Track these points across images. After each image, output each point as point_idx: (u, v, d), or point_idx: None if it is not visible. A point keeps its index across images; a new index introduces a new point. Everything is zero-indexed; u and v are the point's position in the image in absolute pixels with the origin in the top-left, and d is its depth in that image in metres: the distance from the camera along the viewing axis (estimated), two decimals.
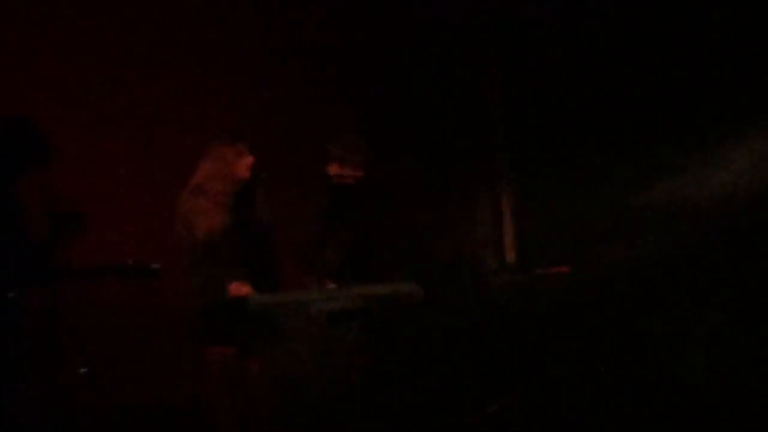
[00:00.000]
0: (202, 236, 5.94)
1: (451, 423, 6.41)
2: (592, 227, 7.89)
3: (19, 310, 5.04)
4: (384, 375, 6.19)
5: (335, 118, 7.65)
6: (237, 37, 7.61)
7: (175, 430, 6.37)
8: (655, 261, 7.31)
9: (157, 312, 6.64)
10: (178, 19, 7.33)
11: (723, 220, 7.50)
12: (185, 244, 6.02)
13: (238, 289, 5.91)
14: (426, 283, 6.05)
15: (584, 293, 7.14)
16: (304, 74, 7.88)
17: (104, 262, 5.51)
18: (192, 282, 6.03)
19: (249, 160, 6.03)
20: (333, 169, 6.53)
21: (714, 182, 7.69)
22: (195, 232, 5.97)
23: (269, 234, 6.17)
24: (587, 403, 6.46)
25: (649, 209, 7.75)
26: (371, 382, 6.09)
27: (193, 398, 6.18)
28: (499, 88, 8.76)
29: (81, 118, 6.73)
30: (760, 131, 7.53)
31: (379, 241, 6.66)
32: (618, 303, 7.07)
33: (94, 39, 7.03)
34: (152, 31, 7.22)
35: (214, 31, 7.48)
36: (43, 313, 5.20)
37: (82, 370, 6.17)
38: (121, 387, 6.40)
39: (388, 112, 8.09)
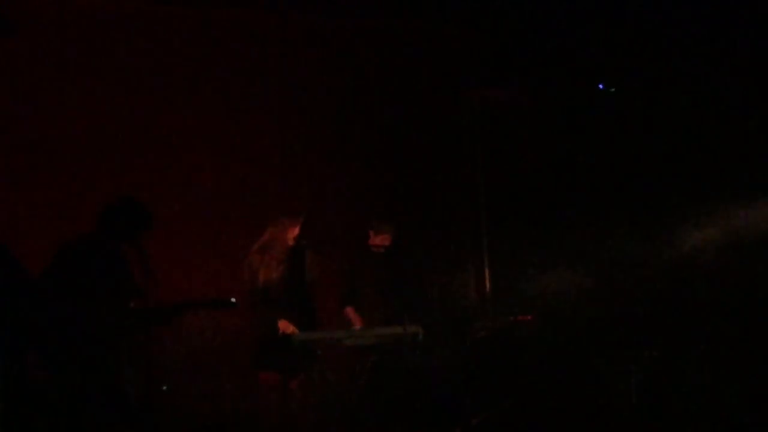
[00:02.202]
0: (262, 284, 7.30)
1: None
2: (554, 281, 8.76)
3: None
4: (392, 394, 7.43)
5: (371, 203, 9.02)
6: (295, 136, 9.02)
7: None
8: (603, 310, 8.40)
9: (224, 342, 7.87)
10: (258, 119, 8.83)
11: (661, 276, 8.51)
12: (248, 289, 7.31)
13: (286, 327, 7.23)
14: (426, 325, 7.33)
15: (545, 337, 8.20)
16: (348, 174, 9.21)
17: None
18: (250, 320, 7.36)
19: (296, 230, 7.39)
20: (372, 241, 8.00)
21: (657, 243, 8.62)
22: (258, 280, 7.31)
23: (313, 287, 7.47)
24: (547, 419, 7.58)
25: (601, 266, 8.75)
26: (384, 399, 7.42)
27: (248, 410, 7.44)
28: (481, 170, 9.61)
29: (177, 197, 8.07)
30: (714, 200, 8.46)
31: (393, 293, 7.93)
32: (570, 344, 8.17)
33: (192, 135, 8.50)
34: (237, 127, 8.73)
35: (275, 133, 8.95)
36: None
37: (164, 388, 7.30)
38: (196, 399, 7.50)
39: (400, 196, 9.27)
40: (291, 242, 7.42)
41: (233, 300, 6.39)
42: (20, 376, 5.41)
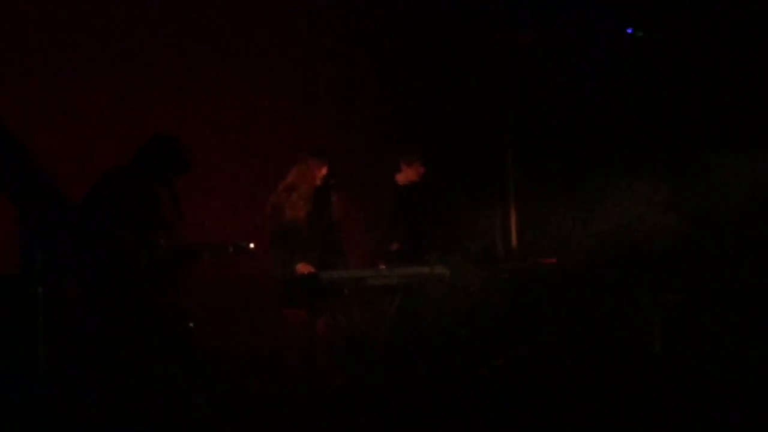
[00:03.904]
0: (289, 222, 7.33)
1: (467, 372, 7.51)
2: (577, 227, 8.93)
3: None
4: (417, 335, 7.55)
5: (398, 139, 8.98)
6: (322, 78, 9.04)
7: (260, 370, 7.30)
8: (623, 254, 8.43)
9: (248, 280, 7.88)
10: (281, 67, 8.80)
11: (688, 220, 8.56)
12: (272, 228, 7.36)
13: (304, 268, 7.28)
14: (453, 266, 7.46)
15: (567, 280, 8.31)
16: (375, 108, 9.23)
17: (216, 241, 6.73)
18: (272, 259, 7.38)
19: (324, 169, 7.42)
20: (400, 178, 8.10)
21: (683, 187, 8.71)
22: (284, 219, 7.33)
23: (338, 227, 7.51)
24: (567, 361, 7.68)
25: (627, 209, 8.78)
26: (408, 339, 7.51)
27: (274, 348, 7.48)
28: (510, 118, 9.74)
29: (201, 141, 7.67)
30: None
31: (422, 233, 8.05)
32: (592, 288, 8.27)
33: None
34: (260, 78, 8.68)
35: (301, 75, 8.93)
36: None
37: (191, 324, 6.87)
38: (222, 336, 7.39)
39: (433, 137, 9.26)
40: (318, 182, 7.44)
41: (252, 245, 6.53)
42: (59, 299, 5.34)
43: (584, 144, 9.18)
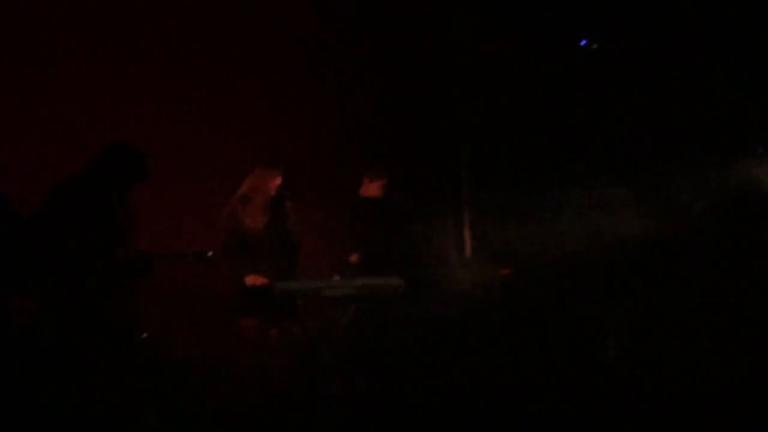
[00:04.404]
0: (246, 233, 7.32)
1: (421, 382, 7.32)
2: (529, 238, 8.99)
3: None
4: (371, 343, 7.57)
5: (357, 151, 9.03)
6: (278, 87, 8.98)
7: (213, 379, 7.08)
8: (577, 263, 8.54)
9: (204, 290, 7.90)
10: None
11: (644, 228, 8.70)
12: (227, 238, 7.33)
13: (254, 279, 7.28)
14: (407, 277, 7.36)
15: (521, 289, 8.42)
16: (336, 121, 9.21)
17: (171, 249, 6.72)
18: (229, 268, 7.34)
19: (278, 180, 7.44)
20: (362, 191, 8.18)
21: (639, 196, 8.93)
22: (240, 230, 7.33)
23: (293, 237, 7.52)
24: (524, 368, 7.63)
25: (583, 219, 8.98)
26: (362, 347, 7.52)
27: (229, 356, 7.31)
28: (465, 129, 9.86)
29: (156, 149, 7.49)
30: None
31: (381, 246, 8.12)
32: (548, 296, 8.33)
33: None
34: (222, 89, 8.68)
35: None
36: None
37: (144, 334, 6.91)
38: (176, 346, 7.34)
39: (391, 148, 9.32)
40: (273, 192, 7.45)
41: (210, 253, 6.60)
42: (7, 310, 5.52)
43: (539, 155, 9.27)
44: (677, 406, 6.72)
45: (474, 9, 9.48)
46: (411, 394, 7.21)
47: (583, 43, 9.65)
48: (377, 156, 8.94)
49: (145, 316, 7.11)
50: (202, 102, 8.61)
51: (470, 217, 9.67)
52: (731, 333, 7.69)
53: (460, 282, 8.69)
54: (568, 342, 7.97)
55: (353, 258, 8.13)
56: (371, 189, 8.26)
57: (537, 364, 7.69)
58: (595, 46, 9.63)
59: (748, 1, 8.62)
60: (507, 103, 9.63)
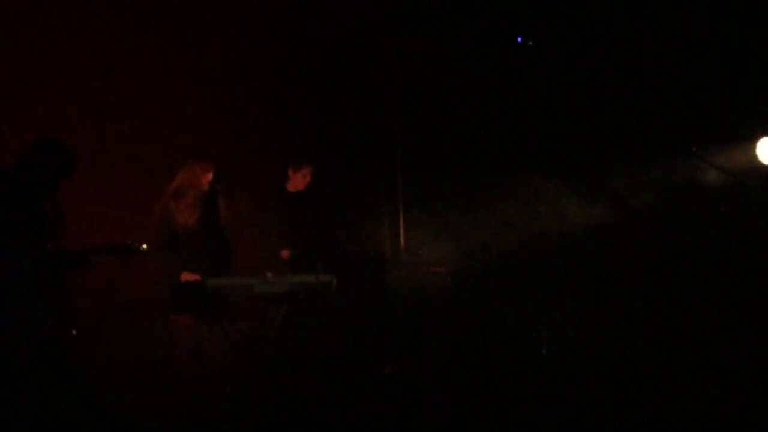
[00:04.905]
0: (178, 228, 7.29)
1: (354, 381, 7.43)
2: (468, 233, 8.98)
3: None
4: (302, 340, 7.54)
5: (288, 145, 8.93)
6: (208, 84, 8.87)
7: (146, 376, 7.16)
8: (511, 261, 8.56)
9: (136, 286, 7.84)
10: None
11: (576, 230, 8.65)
12: (159, 233, 7.28)
13: (188, 277, 7.28)
14: (340, 273, 7.44)
15: (456, 287, 8.41)
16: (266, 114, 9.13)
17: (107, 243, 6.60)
18: (161, 264, 7.30)
19: (210, 175, 7.41)
20: (289, 185, 8.17)
21: (574, 197, 8.85)
22: (172, 225, 7.29)
23: (225, 232, 7.47)
24: (456, 367, 7.64)
25: (516, 219, 8.88)
26: (294, 344, 7.50)
27: (161, 352, 7.34)
28: (399, 124, 9.64)
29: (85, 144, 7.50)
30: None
31: (312, 241, 8.12)
32: (481, 295, 8.34)
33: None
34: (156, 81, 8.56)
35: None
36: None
37: (73, 331, 6.95)
38: (107, 342, 7.35)
39: (323, 143, 9.22)
40: (205, 187, 7.43)
41: (144, 247, 6.53)
42: None
43: (474, 150, 9.22)
44: (610, 403, 6.85)
45: (401, 7, 9.44)
46: (341, 394, 7.26)
47: (519, 39, 9.64)
48: (307, 148, 8.88)
49: (76, 312, 7.03)
50: (129, 96, 8.52)
51: (404, 212, 9.53)
52: (667, 329, 7.75)
53: (394, 279, 8.70)
54: (501, 339, 7.99)
55: (284, 254, 8.11)
56: (296, 181, 8.24)
57: (469, 362, 7.70)
58: (531, 43, 9.60)
59: None
60: (439, 100, 9.53)
